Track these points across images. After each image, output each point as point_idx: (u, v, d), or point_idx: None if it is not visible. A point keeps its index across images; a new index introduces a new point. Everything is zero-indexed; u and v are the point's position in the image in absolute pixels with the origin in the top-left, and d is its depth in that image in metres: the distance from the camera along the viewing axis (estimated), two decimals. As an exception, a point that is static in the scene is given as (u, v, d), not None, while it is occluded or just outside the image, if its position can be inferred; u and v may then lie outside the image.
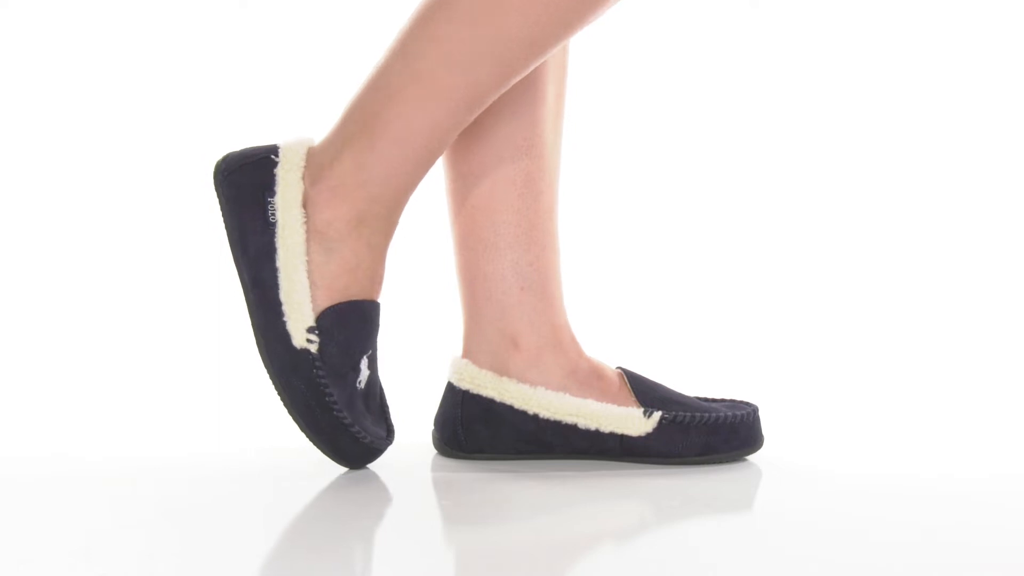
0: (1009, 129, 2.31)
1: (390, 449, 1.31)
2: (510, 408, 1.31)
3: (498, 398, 1.31)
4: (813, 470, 1.33)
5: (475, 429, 1.32)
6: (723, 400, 1.38)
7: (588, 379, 1.33)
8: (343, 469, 1.28)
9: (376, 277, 1.26)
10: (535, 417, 1.30)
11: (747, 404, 1.37)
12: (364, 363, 1.26)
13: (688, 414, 1.31)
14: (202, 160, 2.25)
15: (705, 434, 1.31)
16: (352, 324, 1.24)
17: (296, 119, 2.24)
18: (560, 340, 1.33)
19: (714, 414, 1.32)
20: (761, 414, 1.37)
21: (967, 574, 1.02)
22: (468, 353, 1.34)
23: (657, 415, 1.30)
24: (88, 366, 1.83)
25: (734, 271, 2.24)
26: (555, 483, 1.25)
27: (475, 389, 1.32)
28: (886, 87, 2.33)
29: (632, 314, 2.17)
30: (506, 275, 1.33)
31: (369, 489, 1.22)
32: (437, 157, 1.26)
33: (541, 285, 1.33)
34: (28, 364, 1.84)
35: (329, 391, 1.22)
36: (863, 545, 1.08)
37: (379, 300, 1.27)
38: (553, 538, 1.11)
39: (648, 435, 1.31)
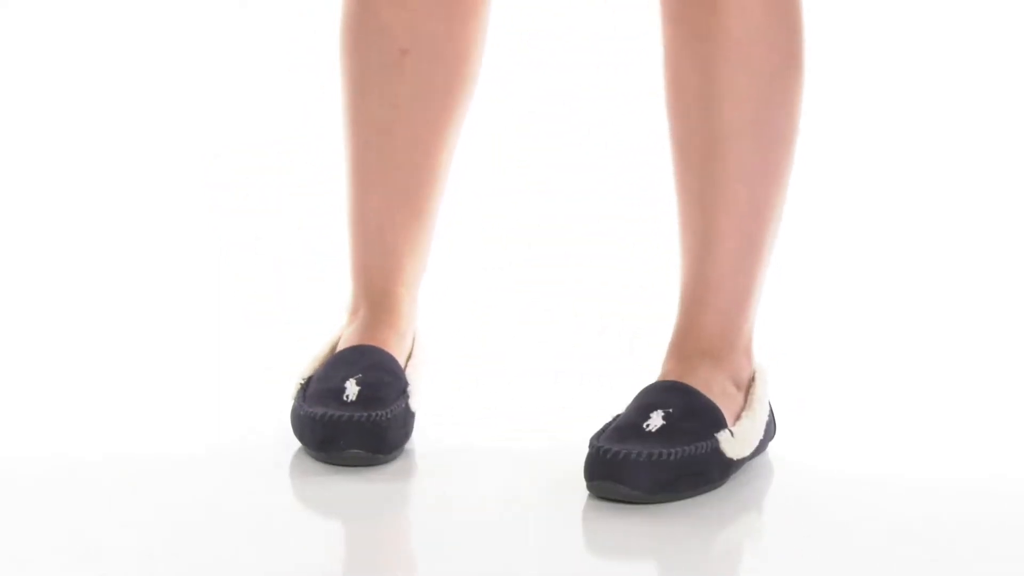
0: (1009, 129, 2.30)
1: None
2: None
3: None
4: (810, 469, 1.33)
5: None
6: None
7: None
8: (347, 468, 1.27)
9: (365, 334, 1.39)
10: None
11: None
12: (350, 383, 1.32)
13: None
14: (201, 159, 2.25)
15: None
16: (327, 366, 1.38)
17: (296, 119, 2.24)
18: None
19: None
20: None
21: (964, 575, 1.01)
22: None
23: None
24: (86, 367, 1.83)
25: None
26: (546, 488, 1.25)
27: None
28: (887, 87, 2.32)
29: (628, 315, 2.16)
30: None
31: (372, 491, 1.22)
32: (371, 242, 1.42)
33: None
34: (27, 364, 1.83)
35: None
36: (858, 546, 1.07)
37: (367, 343, 1.38)
38: (550, 538, 1.11)
39: None
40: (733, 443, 1.25)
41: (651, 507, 1.20)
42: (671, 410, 1.25)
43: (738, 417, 1.29)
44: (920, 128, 2.32)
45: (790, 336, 2.07)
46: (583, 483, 1.23)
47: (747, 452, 1.27)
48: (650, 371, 1.38)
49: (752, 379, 1.34)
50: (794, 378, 1.82)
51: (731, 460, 1.25)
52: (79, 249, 2.15)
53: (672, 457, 1.21)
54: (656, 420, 1.24)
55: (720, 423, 1.26)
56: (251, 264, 2.10)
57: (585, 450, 1.23)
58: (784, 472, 1.31)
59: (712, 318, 1.30)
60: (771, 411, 1.35)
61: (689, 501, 1.21)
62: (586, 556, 1.10)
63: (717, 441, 1.24)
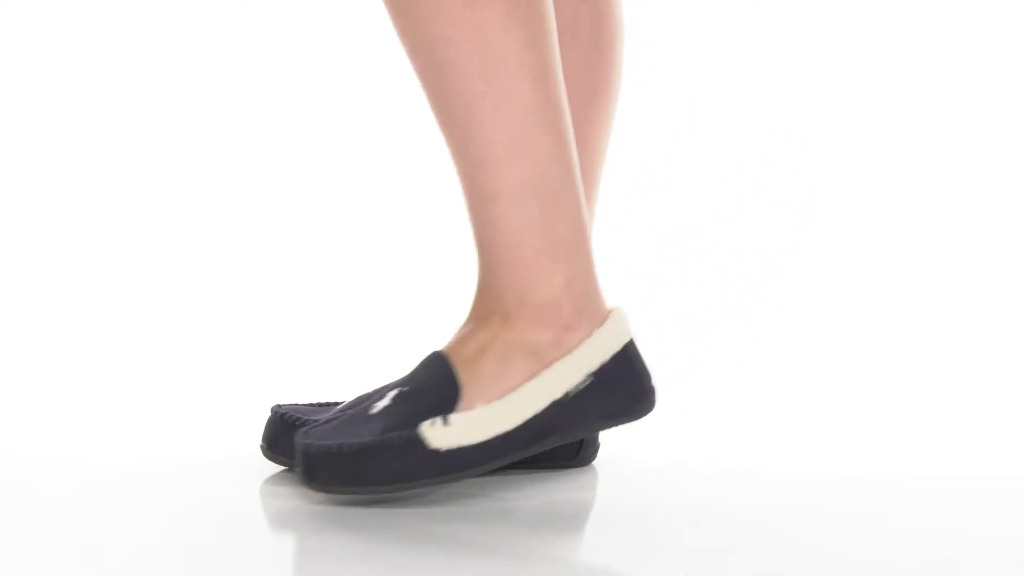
0: (1009, 129, 2.31)
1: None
2: None
3: None
4: (800, 474, 1.33)
5: None
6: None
7: None
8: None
9: None
10: None
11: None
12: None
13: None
14: (201, 159, 2.26)
15: None
16: None
17: (296, 119, 2.24)
18: None
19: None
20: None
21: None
22: None
23: None
24: (85, 367, 1.83)
25: (728, 271, 2.24)
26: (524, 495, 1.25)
27: None
28: (887, 88, 2.33)
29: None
30: None
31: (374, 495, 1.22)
32: None
33: None
34: (26, 364, 1.84)
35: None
36: (849, 548, 1.08)
37: None
38: (545, 540, 1.11)
39: None
40: (446, 432, 1.13)
41: (636, 509, 1.20)
42: (407, 388, 1.16)
43: (492, 400, 1.15)
44: (919, 130, 2.32)
45: (782, 338, 2.07)
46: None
47: (472, 441, 1.13)
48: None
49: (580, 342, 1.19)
50: (775, 380, 1.83)
51: (437, 451, 1.12)
52: (79, 249, 2.15)
53: (347, 449, 1.13)
54: (385, 401, 1.16)
55: (442, 406, 1.15)
56: (251, 264, 2.10)
57: None
58: (759, 476, 1.31)
59: (495, 270, 1.18)
60: (599, 376, 1.18)
61: (677, 506, 1.21)
62: (574, 556, 1.10)
63: (416, 432, 1.13)
